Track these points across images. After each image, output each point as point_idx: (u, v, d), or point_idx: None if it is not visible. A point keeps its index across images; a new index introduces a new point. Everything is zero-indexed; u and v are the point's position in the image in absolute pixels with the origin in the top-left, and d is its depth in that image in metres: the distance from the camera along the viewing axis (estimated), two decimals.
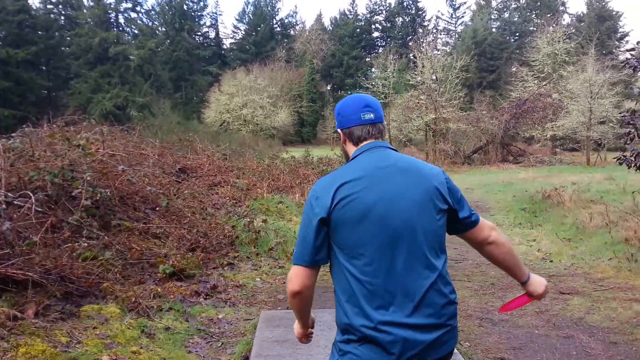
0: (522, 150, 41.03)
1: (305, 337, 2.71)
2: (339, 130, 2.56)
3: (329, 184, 2.32)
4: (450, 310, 2.32)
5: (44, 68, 60.11)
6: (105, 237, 6.61)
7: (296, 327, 2.68)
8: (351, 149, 2.51)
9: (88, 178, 6.92)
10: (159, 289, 6.24)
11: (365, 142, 2.46)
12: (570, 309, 6.48)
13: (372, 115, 2.49)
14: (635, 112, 8.27)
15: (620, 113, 10.28)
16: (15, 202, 5.95)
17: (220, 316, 6.01)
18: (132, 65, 58.22)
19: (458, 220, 2.47)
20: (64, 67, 60.35)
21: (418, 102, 40.90)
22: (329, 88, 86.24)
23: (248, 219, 9.57)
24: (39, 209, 5.95)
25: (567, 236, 10.96)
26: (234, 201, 10.98)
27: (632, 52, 8.24)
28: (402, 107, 42.67)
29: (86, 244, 6.10)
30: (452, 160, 35.88)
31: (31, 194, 5.98)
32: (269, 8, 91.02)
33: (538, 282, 2.65)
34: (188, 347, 5.12)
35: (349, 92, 74.50)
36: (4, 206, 5.53)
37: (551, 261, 9.24)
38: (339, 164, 19.34)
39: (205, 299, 6.51)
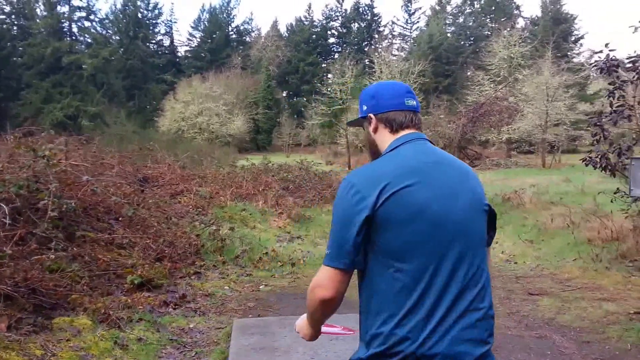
0: (479, 153, 41.60)
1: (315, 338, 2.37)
2: (370, 115, 2.26)
3: (373, 177, 2.02)
4: (490, 324, 2.14)
5: None
6: (74, 249, 6.57)
7: (307, 331, 2.34)
8: (386, 138, 2.22)
9: (53, 189, 6.86)
10: (127, 300, 6.22)
11: (406, 131, 2.19)
12: (540, 309, 6.63)
13: (414, 102, 2.24)
14: (602, 114, 8.51)
15: (587, 115, 10.55)
16: None
17: (191, 325, 6.01)
18: (84, 75, 57.73)
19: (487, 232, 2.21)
20: (15, 78, 59.42)
21: None
22: (284, 95, 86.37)
23: (214, 227, 9.59)
24: (5, 221, 5.89)
25: (529, 238, 11.22)
26: (198, 210, 10.96)
27: (600, 55, 8.49)
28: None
29: (53, 256, 6.05)
30: None
31: (4, 206, 5.92)
32: (224, 15, 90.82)
33: None
34: (161, 357, 5.12)
35: (305, 99, 74.82)
36: None
37: (515, 262, 9.45)
38: (299, 170, 19.39)
39: (175, 308, 6.50)
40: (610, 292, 7.29)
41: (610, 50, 8.50)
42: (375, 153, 2.30)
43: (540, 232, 11.49)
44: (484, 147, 45.20)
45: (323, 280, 2.01)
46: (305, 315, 2.31)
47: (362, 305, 2.10)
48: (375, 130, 2.26)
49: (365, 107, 2.30)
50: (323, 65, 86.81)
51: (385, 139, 2.22)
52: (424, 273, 1.96)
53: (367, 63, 69.27)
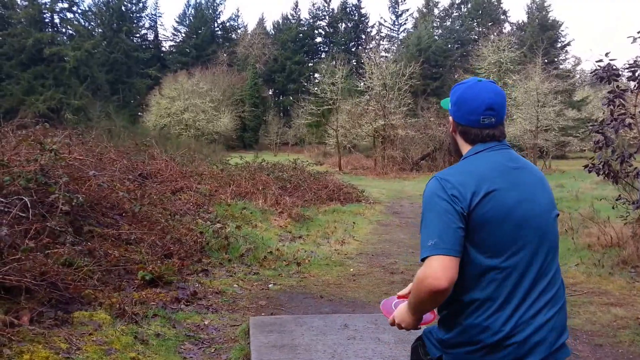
0: None
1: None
2: (451, 118, 2.48)
3: (466, 177, 2.20)
4: (566, 318, 2.37)
5: None
6: (88, 244, 6.61)
7: (410, 320, 2.36)
8: (464, 145, 2.42)
9: (63, 183, 6.88)
10: (139, 296, 6.28)
11: (481, 142, 2.36)
12: None
13: (492, 119, 2.33)
14: (603, 122, 8.63)
15: (588, 123, 10.69)
16: None
17: (205, 322, 6.06)
18: (67, 67, 57.17)
19: None
20: None
21: (367, 109, 41.37)
22: (271, 93, 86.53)
23: (219, 225, 9.64)
24: (24, 214, 5.92)
25: None
26: (199, 207, 10.99)
27: (600, 64, 8.59)
28: (350, 114, 43.09)
29: (67, 251, 6.09)
30: (400, 167, 36.42)
31: (26, 199, 5.95)
32: (210, 11, 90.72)
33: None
34: (182, 353, 5.17)
35: (292, 98, 74.93)
36: None
37: None
38: (293, 170, 19.48)
39: (187, 305, 6.55)
40: (616, 297, 7.41)
41: (610, 60, 8.63)
42: (456, 150, 2.51)
43: None
44: None
45: (435, 270, 2.06)
46: (402, 306, 2.41)
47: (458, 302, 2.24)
48: (455, 132, 2.47)
49: (450, 107, 2.48)
50: (310, 64, 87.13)
51: (463, 144, 2.42)
52: (511, 270, 2.17)
53: (355, 64, 69.59)
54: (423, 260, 2.12)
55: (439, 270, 2.05)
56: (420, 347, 2.54)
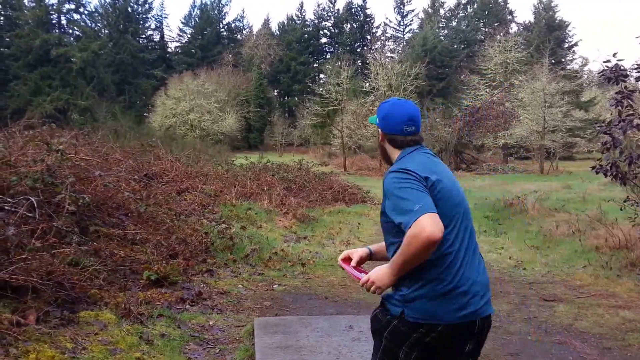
0: (475, 158, 41.75)
1: None
2: (379, 130, 3.06)
3: (420, 167, 2.76)
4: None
5: None
6: (94, 244, 6.63)
7: (388, 280, 2.70)
8: (393, 151, 3.01)
9: (69, 183, 6.90)
10: (145, 295, 6.29)
11: (407, 147, 2.96)
12: (557, 315, 6.71)
13: (413, 128, 2.97)
14: (611, 122, 8.56)
15: (596, 124, 10.65)
16: (5, 207, 5.91)
17: (210, 323, 6.06)
18: (74, 68, 57.37)
19: None
20: (2, 69, 58.92)
21: (372, 109, 41.34)
22: (276, 93, 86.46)
23: (224, 226, 9.65)
24: (31, 215, 5.93)
25: (534, 244, 11.27)
26: (204, 208, 11.00)
27: (608, 64, 8.52)
28: (355, 114, 43.08)
29: (73, 250, 6.10)
30: None
31: (32, 199, 5.96)
32: (215, 12, 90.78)
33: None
34: (186, 353, 5.17)
35: (297, 98, 74.87)
36: None
37: (524, 269, 9.49)
38: (298, 170, 19.49)
39: (191, 305, 6.56)
40: (624, 300, 7.39)
41: (618, 60, 8.57)
42: (385, 156, 3.11)
43: (546, 238, 11.54)
44: (480, 152, 45.35)
45: (427, 224, 2.45)
46: (382, 268, 2.73)
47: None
48: (383, 141, 3.06)
49: (378, 121, 3.07)
50: (315, 65, 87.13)
51: (392, 151, 3.03)
52: (454, 237, 2.72)
53: (360, 64, 69.53)
54: (407, 225, 2.51)
55: (433, 224, 2.45)
56: (379, 313, 2.88)
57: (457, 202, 2.81)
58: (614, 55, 8.52)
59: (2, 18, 63.16)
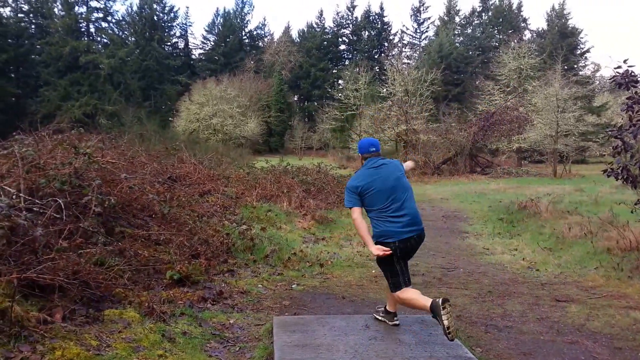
0: (490, 161, 41.54)
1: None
2: (359, 153, 5.74)
3: (359, 177, 5.51)
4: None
5: (13, 75, 59.14)
6: (119, 244, 6.65)
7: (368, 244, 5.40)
8: (364, 163, 5.64)
9: (96, 185, 6.93)
10: (167, 295, 6.29)
11: (370, 159, 5.61)
12: (570, 316, 6.66)
13: (373, 149, 5.64)
14: (622, 127, 8.52)
15: (607, 128, 10.58)
16: (34, 209, 5.95)
17: (231, 321, 6.05)
18: (102, 74, 57.51)
19: None
20: (33, 75, 59.31)
21: (389, 114, 41.33)
22: (296, 99, 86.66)
23: (245, 227, 9.65)
24: (59, 215, 5.96)
25: (547, 246, 11.18)
26: (225, 209, 11.01)
27: (619, 70, 8.47)
28: (373, 119, 43.11)
29: (99, 250, 6.13)
30: (422, 171, 36.21)
31: (60, 201, 5.99)
32: (238, 20, 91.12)
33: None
34: (207, 351, 5.16)
35: (316, 103, 75.04)
36: (24, 213, 5.54)
37: (537, 270, 9.42)
38: (317, 173, 19.50)
39: (213, 304, 6.56)
40: (635, 301, 7.30)
41: (629, 66, 8.52)
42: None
43: (559, 240, 11.42)
44: (494, 155, 45.19)
45: (353, 213, 5.38)
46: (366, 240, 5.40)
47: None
48: (362, 159, 5.69)
49: (359, 149, 5.77)
50: (334, 71, 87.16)
51: (364, 163, 5.66)
52: (386, 207, 5.34)
53: (377, 70, 69.51)
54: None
55: (356, 212, 5.40)
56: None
57: (384, 192, 5.34)
58: (625, 61, 8.50)
59: (33, 26, 63.61)
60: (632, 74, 8.49)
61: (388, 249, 5.21)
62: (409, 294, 5.27)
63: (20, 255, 5.07)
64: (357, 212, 5.33)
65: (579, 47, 74.61)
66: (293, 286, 7.80)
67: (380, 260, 5.38)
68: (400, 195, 5.35)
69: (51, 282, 4.92)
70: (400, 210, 5.30)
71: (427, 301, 5.03)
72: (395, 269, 5.35)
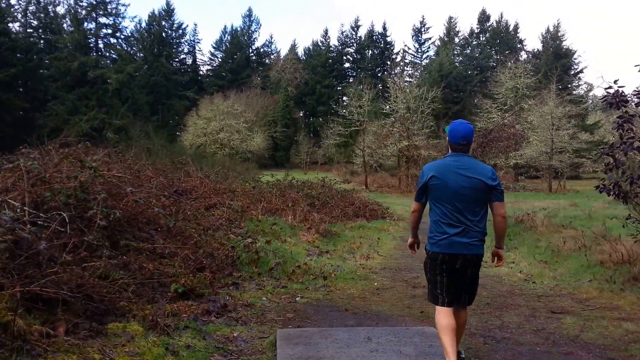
0: None
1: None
2: (447, 139, 4.94)
3: (431, 167, 4.90)
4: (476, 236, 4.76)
5: (21, 90, 59.13)
6: (124, 257, 6.58)
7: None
8: (448, 152, 4.92)
9: (101, 199, 6.87)
10: (172, 308, 6.20)
11: (455, 153, 4.84)
12: (565, 327, 6.64)
13: (464, 142, 4.83)
14: (613, 145, 8.66)
15: (600, 145, 10.75)
16: (38, 222, 5.89)
17: (235, 334, 5.96)
18: (110, 89, 57.63)
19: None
20: (41, 89, 59.35)
21: (391, 130, 41.48)
22: (301, 114, 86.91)
23: (250, 240, 9.58)
24: (63, 229, 5.90)
25: (543, 259, 11.31)
26: (231, 223, 10.95)
27: (609, 90, 8.63)
28: (376, 135, 43.29)
29: (103, 264, 6.06)
30: None
31: (64, 214, 5.93)
32: (245, 37, 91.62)
33: None
34: None
35: (321, 119, 75.21)
36: (29, 226, 5.49)
37: (534, 282, 9.49)
38: (321, 187, 19.44)
39: (217, 317, 6.46)
40: (627, 312, 7.32)
41: (619, 87, 8.66)
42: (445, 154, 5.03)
43: (554, 253, 11.55)
44: None
45: (413, 205, 5.08)
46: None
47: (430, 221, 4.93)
48: (448, 145, 4.96)
49: (446, 134, 4.98)
50: (338, 88, 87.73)
51: (449, 152, 4.94)
52: (448, 210, 4.74)
53: (381, 88, 69.77)
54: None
55: (415, 205, 5.06)
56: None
57: (451, 192, 4.69)
58: (615, 82, 8.70)
59: (42, 41, 63.98)
60: (622, 94, 8.70)
61: (414, 250, 5.53)
62: (442, 326, 4.70)
63: (24, 268, 4.98)
64: (416, 206, 4.96)
65: (572, 68, 75.45)
66: (297, 299, 7.71)
67: (425, 262, 5.11)
68: (467, 206, 4.64)
69: (55, 296, 4.83)
70: (458, 222, 4.65)
71: (452, 354, 4.55)
72: (435, 280, 4.91)
